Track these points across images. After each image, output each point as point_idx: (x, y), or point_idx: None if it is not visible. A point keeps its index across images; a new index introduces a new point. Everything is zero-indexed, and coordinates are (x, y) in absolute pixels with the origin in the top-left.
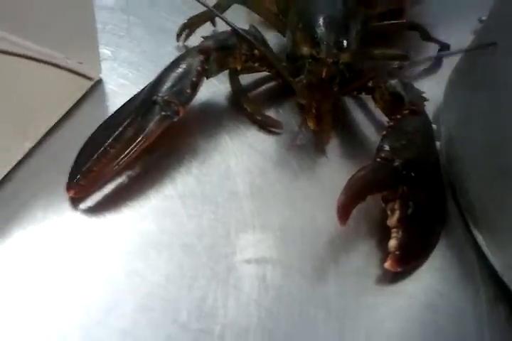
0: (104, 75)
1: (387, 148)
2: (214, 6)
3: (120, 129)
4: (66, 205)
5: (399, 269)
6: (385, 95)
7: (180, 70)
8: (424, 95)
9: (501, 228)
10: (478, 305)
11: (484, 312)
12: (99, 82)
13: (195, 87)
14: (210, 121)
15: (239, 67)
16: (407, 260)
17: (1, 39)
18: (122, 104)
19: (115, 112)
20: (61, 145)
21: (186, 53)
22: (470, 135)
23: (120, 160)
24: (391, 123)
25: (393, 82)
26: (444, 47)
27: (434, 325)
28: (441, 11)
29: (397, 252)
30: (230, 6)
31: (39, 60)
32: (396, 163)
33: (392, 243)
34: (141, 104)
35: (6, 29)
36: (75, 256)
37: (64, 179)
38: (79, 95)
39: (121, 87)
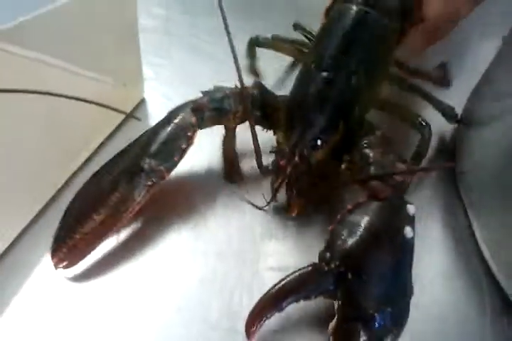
0: (147, 95)
1: (329, 250)
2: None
3: (107, 196)
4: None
5: None
6: (355, 177)
7: (170, 132)
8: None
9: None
10: (482, 315)
11: (488, 322)
12: (143, 101)
13: (182, 153)
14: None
15: (233, 126)
16: None
17: (57, 67)
18: (109, 160)
19: (105, 166)
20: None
21: (180, 110)
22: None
23: (107, 228)
24: (344, 213)
25: (369, 158)
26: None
27: (442, 335)
28: None
29: None
30: None
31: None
32: (333, 266)
33: None
34: (129, 169)
35: (61, 57)
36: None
37: None
38: (123, 115)
39: (162, 105)
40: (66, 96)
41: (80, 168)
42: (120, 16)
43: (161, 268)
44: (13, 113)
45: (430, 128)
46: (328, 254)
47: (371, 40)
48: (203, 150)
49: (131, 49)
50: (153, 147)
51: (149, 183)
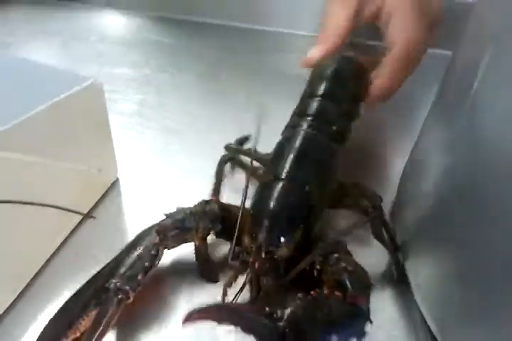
0: (121, 175)
1: (288, 309)
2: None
3: (77, 319)
4: None
5: None
6: (330, 281)
7: (135, 254)
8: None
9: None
10: None
11: None
12: (117, 181)
13: (147, 270)
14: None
15: (197, 243)
16: None
17: (38, 163)
18: (83, 285)
19: (73, 296)
20: (89, 237)
21: (145, 233)
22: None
23: None
24: (316, 294)
25: (340, 267)
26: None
27: None
28: None
29: None
30: None
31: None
32: (281, 324)
33: None
34: (98, 291)
35: (40, 154)
36: None
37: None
38: (100, 194)
39: (135, 182)
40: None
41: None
42: (92, 114)
43: None
44: None
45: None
46: (281, 313)
47: (318, 156)
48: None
49: (105, 140)
50: (120, 269)
51: (115, 301)
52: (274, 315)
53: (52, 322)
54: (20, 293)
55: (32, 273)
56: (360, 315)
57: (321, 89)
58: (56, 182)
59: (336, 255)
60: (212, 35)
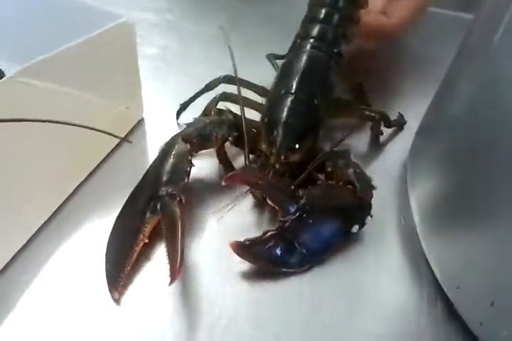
0: (146, 115)
1: (304, 192)
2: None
3: (139, 228)
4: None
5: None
6: (340, 181)
7: (172, 161)
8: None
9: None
10: (420, 301)
11: (424, 307)
12: (142, 120)
13: (188, 174)
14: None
15: (216, 148)
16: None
17: (71, 95)
18: (127, 200)
19: (124, 207)
20: (116, 169)
21: (173, 141)
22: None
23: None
24: (333, 182)
25: (348, 171)
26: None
27: (384, 319)
28: None
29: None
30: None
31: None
32: (302, 200)
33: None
34: (150, 200)
35: (72, 86)
36: None
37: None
38: (127, 130)
39: (158, 124)
40: (68, 123)
41: (77, 188)
42: (122, 52)
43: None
44: (17, 137)
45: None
46: (302, 193)
47: (321, 73)
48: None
49: (133, 78)
50: (163, 177)
51: (175, 204)
52: (297, 193)
53: (114, 236)
54: (48, 219)
55: (64, 197)
56: (365, 208)
57: (321, 14)
58: (87, 115)
59: (343, 161)
60: None
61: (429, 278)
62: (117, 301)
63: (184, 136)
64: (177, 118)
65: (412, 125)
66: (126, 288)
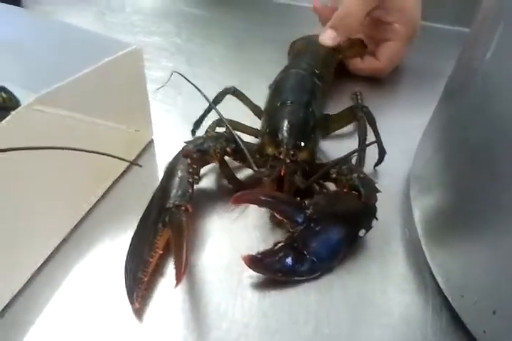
0: (155, 136)
1: (310, 202)
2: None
3: (153, 241)
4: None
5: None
6: (345, 186)
7: (177, 177)
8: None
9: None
10: (426, 310)
11: (430, 316)
12: (151, 142)
13: (192, 185)
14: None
15: (216, 162)
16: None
17: (83, 121)
18: (142, 217)
19: (139, 224)
20: (127, 190)
21: (175, 159)
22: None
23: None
24: (338, 191)
25: (353, 176)
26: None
27: (390, 329)
28: None
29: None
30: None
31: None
32: (309, 211)
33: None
34: (159, 214)
35: (84, 112)
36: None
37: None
38: (137, 152)
39: (167, 144)
40: (81, 150)
41: (89, 212)
42: (131, 78)
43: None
44: (32, 163)
45: (366, 112)
46: (309, 202)
47: (311, 87)
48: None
49: (142, 102)
50: (171, 192)
51: (181, 214)
52: (303, 204)
53: (131, 250)
54: (63, 239)
55: (75, 221)
56: (370, 212)
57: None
58: (99, 139)
59: (347, 166)
60: (242, 8)
61: (434, 289)
62: (138, 312)
63: (185, 153)
64: (192, 136)
65: (414, 138)
66: (145, 300)
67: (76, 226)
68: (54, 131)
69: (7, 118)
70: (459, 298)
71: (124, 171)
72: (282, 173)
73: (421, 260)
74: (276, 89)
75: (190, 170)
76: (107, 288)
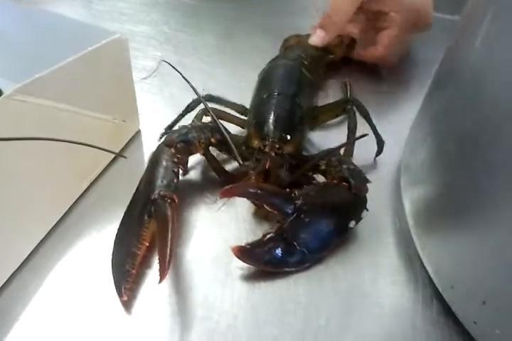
0: (142, 126)
1: (300, 192)
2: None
3: (140, 232)
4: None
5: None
6: (335, 178)
7: (161, 167)
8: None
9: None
10: (416, 301)
11: (420, 307)
12: (138, 132)
13: (177, 175)
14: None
15: (201, 153)
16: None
17: (68, 111)
18: (126, 210)
19: (125, 214)
20: (113, 182)
21: (158, 150)
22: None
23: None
24: (329, 181)
25: (343, 167)
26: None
27: (380, 319)
28: None
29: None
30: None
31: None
32: (299, 201)
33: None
34: (145, 205)
35: (68, 102)
36: None
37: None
38: (123, 143)
39: (154, 134)
40: (63, 140)
41: (75, 203)
42: (117, 67)
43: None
44: (16, 154)
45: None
46: (298, 193)
47: (299, 78)
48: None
49: (128, 92)
50: (156, 182)
51: (167, 205)
52: (293, 195)
53: (118, 243)
54: (49, 232)
55: (61, 213)
56: (361, 203)
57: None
58: (84, 130)
59: (336, 158)
60: None
61: (424, 280)
62: (126, 305)
63: (166, 143)
64: (159, 140)
65: (406, 128)
66: (133, 292)
67: (61, 219)
68: (37, 122)
69: None
70: (449, 288)
71: (111, 162)
72: (267, 167)
73: (412, 250)
74: (264, 79)
75: (175, 160)
76: (94, 279)
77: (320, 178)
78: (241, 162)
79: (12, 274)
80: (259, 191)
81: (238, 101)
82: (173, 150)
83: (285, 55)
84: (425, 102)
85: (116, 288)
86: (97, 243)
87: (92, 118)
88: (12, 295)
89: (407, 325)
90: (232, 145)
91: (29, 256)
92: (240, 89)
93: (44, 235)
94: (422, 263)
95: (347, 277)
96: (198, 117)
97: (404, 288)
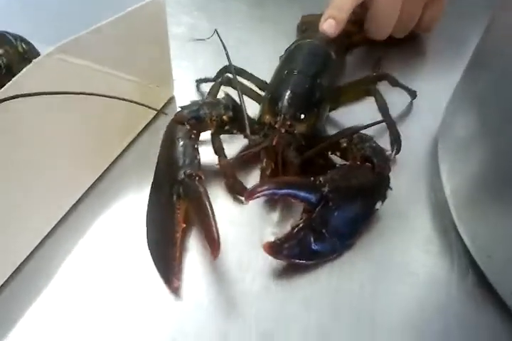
0: (176, 92)
1: (325, 179)
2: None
3: (173, 215)
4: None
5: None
6: (356, 157)
7: (180, 145)
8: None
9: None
10: (451, 271)
11: (455, 277)
12: (172, 98)
13: (198, 151)
14: None
15: (212, 130)
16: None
17: (103, 72)
18: (151, 193)
19: (151, 201)
20: (148, 145)
21: (171, 127)
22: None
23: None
24: (352, 163)
25: (365, 145)
26: (412, 93)
27: (412, 286)
28: None
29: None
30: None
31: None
32: (324, 189)
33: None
34: (172, 187)
35: (104, 63)
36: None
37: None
38: (159, 107)
39: (188, 101)
40: (108, 96)
41: (114, 162)
42: (153, 30)
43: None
44: (57, 111)
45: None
46: (323, 180)
47: (323, 58)
48: None
49: (163, 56)
50: (179, 162)
51: (197, 183)
52: (317, 182)
53: (152, 227)
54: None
55: (100, 171)
56: (385, 182)
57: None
58: (118, 92)
59: (357, 135)
60: None
61: (459, 251)
62: (177, 290)
63: (176, 119)
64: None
65: (442, 99)
66: (180, 276)
67: (100, 177)
68: (75, 81)
69: (28, 66)
70: (486, 258)
71: (145, 127)
72: (274, 143)
73: (447, 221)
74: (287, 58)
75: (193, 136)
76: (131, 242)
77: (336, 160)
78: (249, 135)
79: (49, 232)
80: (282, 186)
81: (268, 71)
82: (188, 126)
83: (308, 35)
84: (466, 73)
85: (163, 277)
86: (135, 204)
87: (127, 81)
88: (48, 254)
89: (442, 294)
90: (246, 116)
91: (68, 212)
92: (269, 58)
93: (80, 196)
94: (457, 234)
95: (379, 247)
96: (213, 91)
97: (438, 258)
